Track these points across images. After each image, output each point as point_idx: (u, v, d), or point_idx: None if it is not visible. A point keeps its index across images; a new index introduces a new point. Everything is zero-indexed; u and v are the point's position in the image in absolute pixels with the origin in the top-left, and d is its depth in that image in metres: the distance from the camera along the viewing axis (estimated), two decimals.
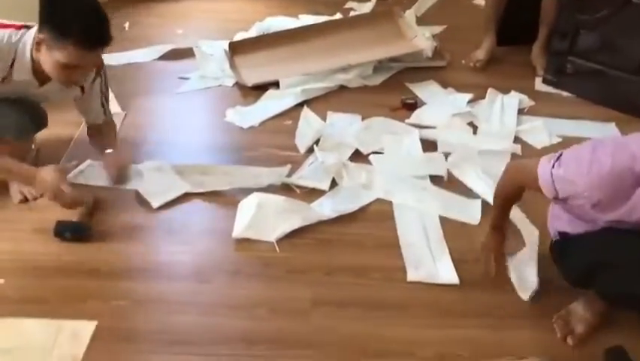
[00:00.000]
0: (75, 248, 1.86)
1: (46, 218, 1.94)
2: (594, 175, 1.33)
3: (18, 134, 1.97)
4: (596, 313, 1.62)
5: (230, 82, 2.92)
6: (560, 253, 1.63)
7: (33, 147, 2.20)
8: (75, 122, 2.40)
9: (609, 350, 1.57)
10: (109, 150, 2.15)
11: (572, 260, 1.55)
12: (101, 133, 2.20)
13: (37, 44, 1.74)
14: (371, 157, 2.35)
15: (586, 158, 1.36)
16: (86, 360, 1.51)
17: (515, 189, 1.64)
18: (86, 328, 1.60)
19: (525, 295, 1.75)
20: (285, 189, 2.16)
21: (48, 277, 1.76)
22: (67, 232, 1.87)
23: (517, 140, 2.52)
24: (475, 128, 2.59)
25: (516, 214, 2.08)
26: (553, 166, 1.41)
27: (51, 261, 1.81)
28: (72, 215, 1.93)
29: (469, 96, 2.79)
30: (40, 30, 1.71)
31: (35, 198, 2.05)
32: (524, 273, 1.81)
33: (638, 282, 1.39)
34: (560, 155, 1.42)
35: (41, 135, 2.16)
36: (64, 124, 2.37)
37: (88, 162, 2.24)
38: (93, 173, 2.19)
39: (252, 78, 2.87)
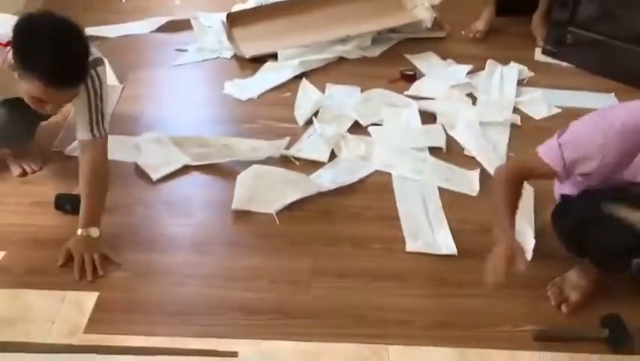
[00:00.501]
0: (75, 221, 1.85)
1: (46, 191, 1.95)
2: (606, 131, 1.37)
3: (15, 144, 2.01)
4: (590, 281, 1.64)
5: (228, 54, 2.89)
6: (559, 215, 1.64)
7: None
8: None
9: (605, 317, 1.59)
10: (79, 230, 1.72)
11: (566, 218, 1.55)
12: (83, 157, 1.76)
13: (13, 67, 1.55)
14: (370, 129, 2.35)
15: (594, 119, 1.40)
16: (89, 330, 1.54)
17: (516, 186, 1.57)
18: (88, 298, 1.62)
19: (528, 254, 1.77)
20: (284, 161, 2.16)
21: (49, 249, 1.76)
22: (67, 204, 1.88)
23: (516, 111, 2.52)
24: (474, 100, 2.58)
25: None
26: (559, 137, 1.44)
27: (52, 233, 1.82)
28: (72, 188, 1.94)
29: (468, 67, 2.77)
30: (13, 55, 1.52)
31: (34, 172, 2.06)
32: (522, 233, 1.83)
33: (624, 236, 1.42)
34: (564, 128, 1.45)
35: None
36: None
37: None
38: None
39: (250, 50, 2.84)
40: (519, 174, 1.58)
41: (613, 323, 1.59)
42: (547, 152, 1.48)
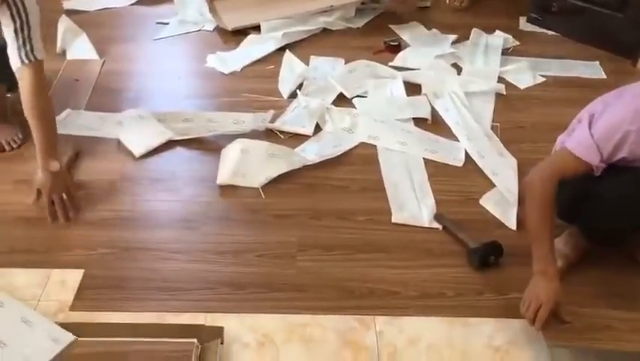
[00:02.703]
0: None
1: (28, 169, 1.92)
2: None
3: None
4: (575, 249, 1.66)
5: (210, 27, 2.86)
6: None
7: (8, 95, 2.14)
8: (53, 70, 2.35)
9: (492, 241, 1.68)
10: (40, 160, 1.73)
11: (564, 187, 1.50)
12: (21, 86, 1.73)
13: None
14: (355, 101, 2.33)
15: (626, 101, 1.40)
16: (75, 307, 1.53)
17: (554, 195, 1.45)
18: (74, 276, 1.61)
19: (512, 224, 1.80)
20: (269, 134, 2.15)
21: (33, 227, 1.75)
22: None
23: (501, 80, 2.51)
24: (459, 70, 2.57)
25: (495, 145, 2.10)
26: (590, 128, 1.41)
27: (35, 211, 1.80)
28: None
29: (453, 37, 2.76)
30: None
31: (13, 148, 2.03)
32: (507, 203, 1.86)
33: (619, 215, 1.42)
34: (591, 118, 1.44)
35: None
36: None
37: (67, 110, 2.20)
38: (73, 122, 2.16)
39: (232, 22, 2.80)
40: (556, 179, 1.45)
41: (489, 245, 1.67)
42: (584, 153, 1.42)
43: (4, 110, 2.08)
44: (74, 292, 1.57)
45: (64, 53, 2.58)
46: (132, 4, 3.02)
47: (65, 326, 1.44)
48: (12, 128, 2.07)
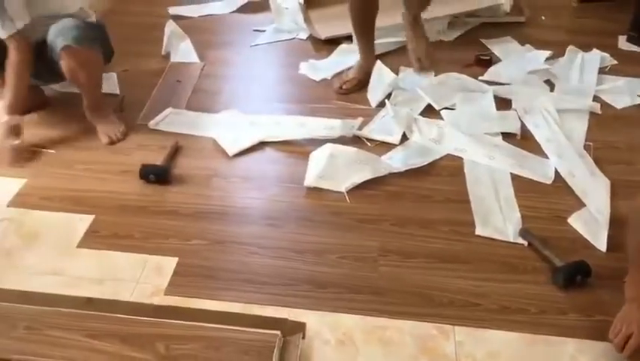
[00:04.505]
0: (158, 190, 1.98)
1: (132, 161, 2.07)
2: None
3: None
4: None
5: (304, 35, 2.95)
6: None
7: (118, 91, 2.31)
8: (157, 71, 2.51)
9: (580, 260, 1.66)
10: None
11: None
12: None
13: None
14: (443, 112, 2.34)
15: None
16: (169, 292, 1.64)
17: None
18: (168, 263, 1.72)
19: (602, 245, 1.76)
20: (356, 141, 2.20)
21: (134, 215, 1.88)
22: (151, 174, 1.99)
23: (596, 99, 2.44)
24: (552, 86, 2.52)
25: (588, 165, 2.05)
26: None
27: (136, 201, 1.94)
28: (156, 159, 2.05)
29: (547, 53, 2.70)
30: None
31: (119, 140, 2.20)
32: (597, 224, 1.82)
33: None
34: None
35: (126, 82, 2.28)
36: (148, 73, 2.49)
37: (169, 109, 2.35)
38: (175, 120, 2.31)
39: (325, 31, 2.88)
40: None
41: (576, 265, 1.64)
42: None
43: (104, 104, 2.26)
44: (169, 278, 1.67)
45: (168, 55, 2.75)
46: (232, 12, 3.17)
47: (160, 308, 1.55)
48: (118, 122, 2.24)
